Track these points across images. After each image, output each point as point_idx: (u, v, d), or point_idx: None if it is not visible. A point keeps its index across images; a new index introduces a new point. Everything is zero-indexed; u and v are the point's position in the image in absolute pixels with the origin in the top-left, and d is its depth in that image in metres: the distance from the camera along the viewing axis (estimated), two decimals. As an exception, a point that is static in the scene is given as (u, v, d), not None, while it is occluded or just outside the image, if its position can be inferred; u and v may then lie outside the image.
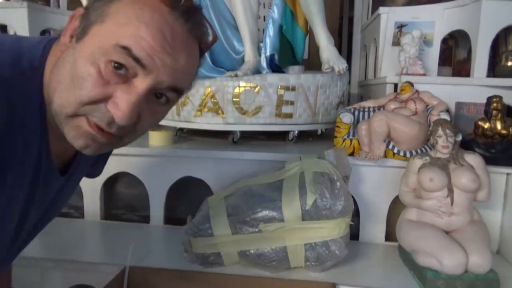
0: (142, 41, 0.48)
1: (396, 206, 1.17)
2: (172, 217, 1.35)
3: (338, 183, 0.98)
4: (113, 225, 1.33)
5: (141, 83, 0.49)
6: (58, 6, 2.03)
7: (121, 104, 0.48)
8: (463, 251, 0.91)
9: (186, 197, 1.36)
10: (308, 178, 1.00)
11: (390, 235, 1.20)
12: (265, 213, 0.97)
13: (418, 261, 0.96)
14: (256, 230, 0.96)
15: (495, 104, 1.15)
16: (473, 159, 1.02)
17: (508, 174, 1.13)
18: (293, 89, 1.34)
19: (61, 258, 1.04)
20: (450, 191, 0.98)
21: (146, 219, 1.35)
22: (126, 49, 0.47)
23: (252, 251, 0.98)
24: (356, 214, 1.21)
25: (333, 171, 1.01)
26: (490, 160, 1.09)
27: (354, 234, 1.20)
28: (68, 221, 1.36)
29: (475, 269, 0.90)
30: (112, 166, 1.33)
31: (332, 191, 0.97)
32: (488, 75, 1.38)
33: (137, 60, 0.48)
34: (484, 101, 1.19)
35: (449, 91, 1.32)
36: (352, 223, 1.02)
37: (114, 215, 1.40)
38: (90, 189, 1.35)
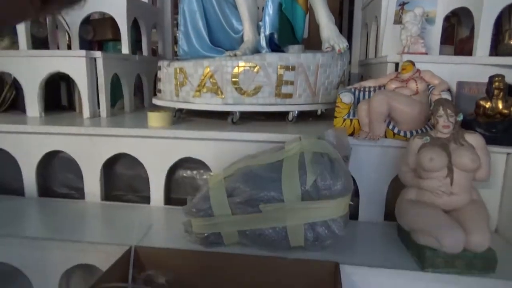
0: None
1: (396, 186, 1.17)
2: (173, 198, 1.36)
3: (337, 164, 0.98)
4: (114, 206, 1.34)
5: None
6: None
7: None
8: (462, 230, 0.91)
9: (185, 177, 1.37)
10: (308, 159, 0.99)
11: (389, 215, 1.21)
12: (265, 193, 0.97)
13: (417, 240, 0.96)
14: (256, 210, 0.97)
15: (497, 83, 1.13)
16: (473, 138, 1.01)
17: (508, 153, 1.12)
18: (293, 68, 1.33)
19: (63, 239, 1.05)
20: (450, 171, 0.98)
21: (146, 200, 1.35)
22: None
23: (252, 231, 0.98)
24: (355, 194, 1.21)
25: (333, 152, 1.01)
26: (491, 140, 1.08)
27: (353, 213, 1.21)
28: (69, 202, 1.37)
29: (474, 248, 0.91)
30: (111, 147, 1.33)
31: (332, 171, 0.97)
32: (491, 54, 1.36)
33: None
34: (486, 80, 1.18)
35: (450, 70, 1.31)
36: (351, 203, 1.02)
37: (115, 196, 1.40)
38: (90, 170, 1.35)
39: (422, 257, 0.94)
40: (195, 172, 1.36)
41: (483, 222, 0.95)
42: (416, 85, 1.19)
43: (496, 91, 1.14)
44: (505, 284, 0.90)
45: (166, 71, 1.45)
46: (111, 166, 1.39)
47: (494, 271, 0.91)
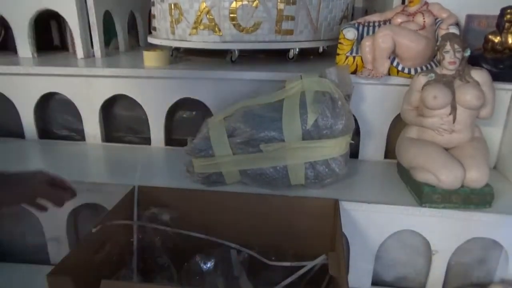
0: None
1: (397, 125, 1.17)
2: (173, 139, 1.36)
3: (339, 102, 0.96)
4: (115, 148, 1.34)
5: None
6: None
7: None
8: (461, 167, 0.92)
9: (185, 118, 1.36)
10: (309, 98, 0.97)
11: (389, 153, 1.21)
12: (266, 133, 0.96)
13: (416, 177, 0.98)
14: (257, 150, 0.97)
15: (508, 16, 1.08)
16: (479, 75, 0.98)
17: (513, 90, 1.10)
18: (294, 2, 1.26)
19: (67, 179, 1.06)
20: (453, 109, 0.96)
21: (147, 141, 1.35)
22: None
23: (253, 170, 0.99)
24: (356, 133, 1.21)
25: (334, 90, 0.98)
26: (497, 76, 1.05)
27: (354, 152, 1.22)
28: (70, 144, 1.37)
29: (472, 184, 0.92)
30: (108, 89, 1.30)
31: (333, 110, 0.96)
32: (505, -17, 1.28)
33: None
34: (497, 13, 1.12)
35: (460, 2, 1.23)
36: (352, 141, 1.02)
37: (115, 138, 1.40)
38: (89, 112, 1.33)
39: (420, 193, 0.95)
40: (194, 112, 1.34)
41: (482, 159, 0.95)
42: (423, 19, 1.13)
43: (507, 25, 1.08)
44: (499, 217, 0.93)
45: (160, 7, 1.38)
46: (110, 107, 1.37)
47: (490, 205, 0.93)
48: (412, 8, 1.17)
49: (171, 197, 0.98)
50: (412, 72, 1.11)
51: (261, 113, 0.99)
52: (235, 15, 1.25)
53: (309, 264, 0.82)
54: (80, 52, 1.50)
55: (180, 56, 1.50)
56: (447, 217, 0.94)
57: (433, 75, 0.99)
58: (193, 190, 1.01)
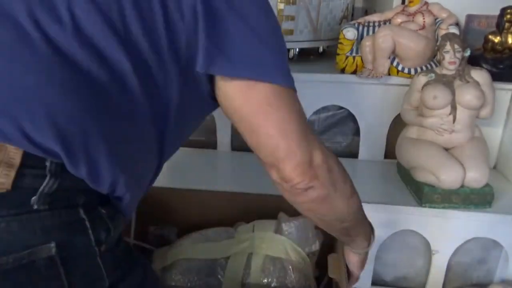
0: None
1: (397, 124, 1.17)
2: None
3: (293, 275, 0.79)
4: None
5: None
6: None
7: None
8: (461, 167, 0.92)
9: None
10: (256, 264, 0.80)
11: (389, 153, 1.21)
12: None
13: (416, 177, 0.98)
14: None
15: (508, 16, 1.08)
16: (479, 75, 0.98)
17: (513, 90, 1.10)
18: (294, 2, 1.26)
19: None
20: (453, 109, 0.96)
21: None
22: None
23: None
24: (356, 133, 1.21)
25: (290, 253, 0.82)
26: (497, 76, 1.05)
27: (354, 152, 1.22)
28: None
29: (471, 184, 0.92)
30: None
31: (282, 283, 0.79)
32: (505, -18, 1.28)
33: None
34: (497, 13, 1.12)
35: (460, 2, 1.23)
36: None
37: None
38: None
39: (420, 193, 0.95)
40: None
41: (482, 159, 0.95)
42: (423, 19, 1.14)
43: (507, 25, 1.08)
44: (499, 217, 0.93)
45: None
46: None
47: (490, 205, 0.93)
48: (412, 8, 1.17)
49: (169, 197, 0.98)
50: (412, 72, 1.11)
51: (202, 268, 0.82)
52: (235, 15, 1.25)
53: (309, 265, 0.82)
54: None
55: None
56: (447, 217, 0.94)
57: (433, 75, 0.99)
58: (191, 190, 1.00)
